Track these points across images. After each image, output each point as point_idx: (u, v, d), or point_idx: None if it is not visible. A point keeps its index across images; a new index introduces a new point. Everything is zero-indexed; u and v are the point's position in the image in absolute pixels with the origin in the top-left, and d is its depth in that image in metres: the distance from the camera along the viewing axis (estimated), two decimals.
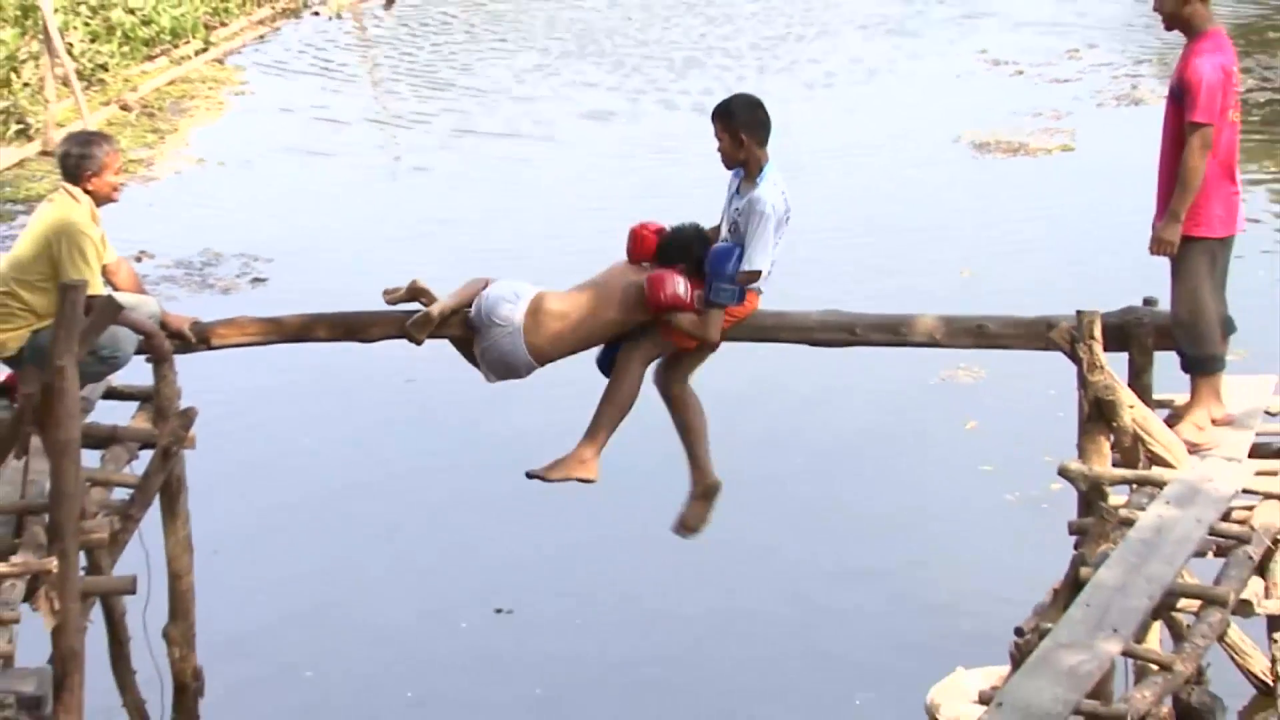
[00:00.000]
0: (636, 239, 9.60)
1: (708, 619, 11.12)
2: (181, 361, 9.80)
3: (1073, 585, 8.36)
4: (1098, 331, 9.10)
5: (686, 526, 9.76)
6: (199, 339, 9.91)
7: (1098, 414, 9.09)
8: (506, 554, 11.74)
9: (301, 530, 12.06)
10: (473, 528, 12.06)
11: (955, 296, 14.48)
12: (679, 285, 9.31)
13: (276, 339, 10.15)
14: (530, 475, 9.56)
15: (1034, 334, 9.60)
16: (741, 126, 9.37)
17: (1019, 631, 8.32)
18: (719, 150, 9.46)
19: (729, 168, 9.51)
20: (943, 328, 9.83)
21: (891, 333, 9.90)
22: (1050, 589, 8.66)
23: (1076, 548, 8.90)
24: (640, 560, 11.41)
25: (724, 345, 9.64)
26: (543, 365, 9.51)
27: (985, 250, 16.56)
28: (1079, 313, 9.21)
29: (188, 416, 9.76)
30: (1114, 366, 9.23)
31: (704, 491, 9.70)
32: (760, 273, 9.34)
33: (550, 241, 16.64)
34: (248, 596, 11.27)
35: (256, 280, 16.18)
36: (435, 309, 9.60)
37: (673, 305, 9.32)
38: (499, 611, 11.14)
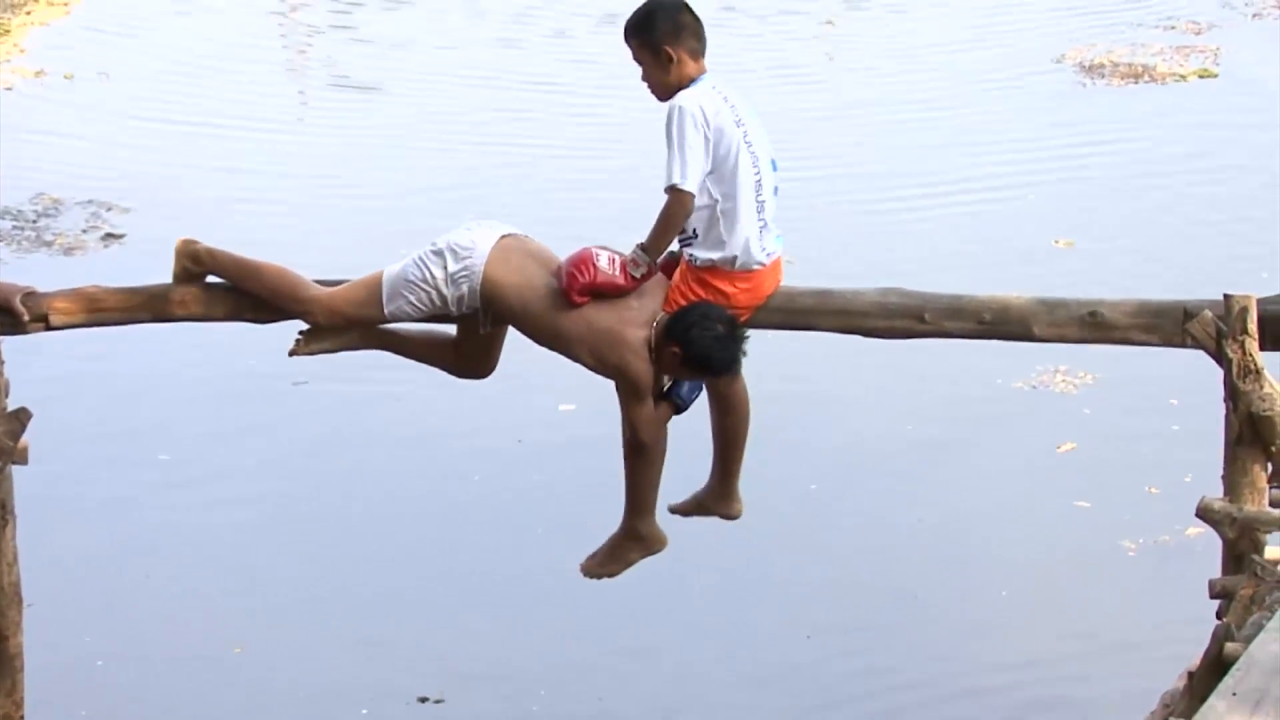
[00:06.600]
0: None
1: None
2: (9, 346, 9.71)
3: (1215, 666, 8.32)
4: (1253, 324, 9.05)
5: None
6: (33, 316, 9.78)
7: (1252, 435, 9.05)
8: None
9: (156, 576, 12.03)
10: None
11: (1048, 273, 14.45)
12: (601, 260, 9.20)
13: (136, 316, 10.05)
14: (587, 574, 9.59)
15: (1166, 325, 9.51)
16: (665, 38, 9.21)
17: None
18: (643, 80, 9.29)
19: (664, 99, 9.24)
20: (1043, 314, 9.72)
21: (974, 320, 9.77)
22: (1184, 671, 8.64)
23: (1220, 615, 8.87)
24: (642, 601, 11.43)
25: (750, 334, 9.64)
26: (485, 300, 9.33)
27: (1090, 212, 16.54)
28: (1227, 297, 9.15)
29: (19, 420, 9.69)
30: (1273, 370, 9.19)
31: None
32: (675, 187, 9.09)
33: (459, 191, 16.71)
34: (90, 662, 11.23)
35: (110, 236, 16.19)
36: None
37: (601, 286, 9.21)
38: (423, 700, 11.17)
